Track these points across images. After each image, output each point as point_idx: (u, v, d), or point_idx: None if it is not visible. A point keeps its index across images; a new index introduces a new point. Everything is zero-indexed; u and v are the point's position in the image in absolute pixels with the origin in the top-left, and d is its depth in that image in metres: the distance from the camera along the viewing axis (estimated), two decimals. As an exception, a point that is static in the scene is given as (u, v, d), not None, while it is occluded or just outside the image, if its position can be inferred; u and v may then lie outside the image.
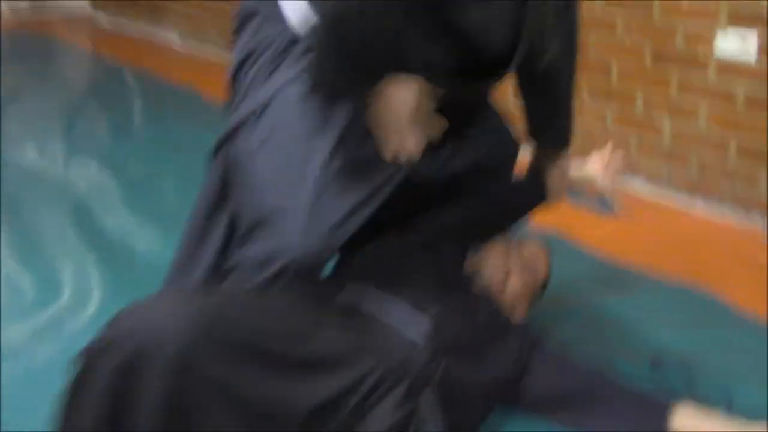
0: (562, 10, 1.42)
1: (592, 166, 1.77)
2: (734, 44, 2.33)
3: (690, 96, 2.50)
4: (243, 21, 1.35)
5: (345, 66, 1.11)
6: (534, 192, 1.74)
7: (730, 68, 2.37)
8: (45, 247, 2.18)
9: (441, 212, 1.63)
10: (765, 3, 2.23)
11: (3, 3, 5.32)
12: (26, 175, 2.76)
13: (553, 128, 1.68)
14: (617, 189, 1.78)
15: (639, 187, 2.68)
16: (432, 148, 1.42)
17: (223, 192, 1.36)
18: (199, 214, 1.39)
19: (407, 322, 1.32)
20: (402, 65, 1.14)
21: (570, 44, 1.52)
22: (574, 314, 1.88)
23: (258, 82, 1.29)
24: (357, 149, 1.23)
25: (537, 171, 1.72)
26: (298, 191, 1.18)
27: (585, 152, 1.78)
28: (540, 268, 1.67)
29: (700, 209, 2.53)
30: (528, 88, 1.60)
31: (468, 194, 1.64)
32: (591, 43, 2.64)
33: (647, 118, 2.63)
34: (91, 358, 0.98)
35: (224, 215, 1.36)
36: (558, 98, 1.63)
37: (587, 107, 2.75)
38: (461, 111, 1.49)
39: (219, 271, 1.32)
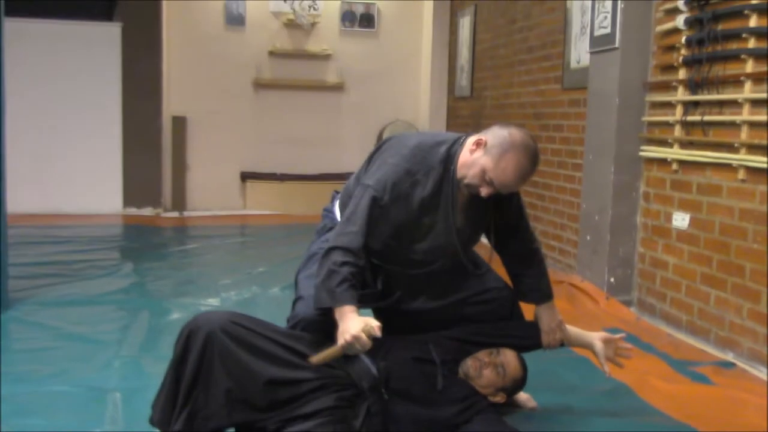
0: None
1: (595, 335, 2.46)
2: None
3: None
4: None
5: None
6: (529, 336, 2.46)
7: None
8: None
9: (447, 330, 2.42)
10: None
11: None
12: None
13: (542, 288, 2.47)
14: (609, 360, 2.44)
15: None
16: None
17: None
18: None
19: (371, 364, 2.16)
20: None
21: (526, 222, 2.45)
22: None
23: (313, 241, 2.47)
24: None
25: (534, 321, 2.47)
26: (311, 290, 2.23)
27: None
28: (512, 369, 2.35)
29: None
30: (518, 264, 2.45)
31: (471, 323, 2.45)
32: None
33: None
34: (181, 331, 2.03)
35: None
36: (542, 265, 2.46)
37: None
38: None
39: None
